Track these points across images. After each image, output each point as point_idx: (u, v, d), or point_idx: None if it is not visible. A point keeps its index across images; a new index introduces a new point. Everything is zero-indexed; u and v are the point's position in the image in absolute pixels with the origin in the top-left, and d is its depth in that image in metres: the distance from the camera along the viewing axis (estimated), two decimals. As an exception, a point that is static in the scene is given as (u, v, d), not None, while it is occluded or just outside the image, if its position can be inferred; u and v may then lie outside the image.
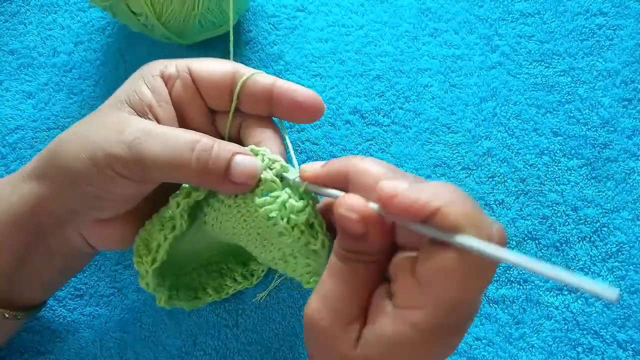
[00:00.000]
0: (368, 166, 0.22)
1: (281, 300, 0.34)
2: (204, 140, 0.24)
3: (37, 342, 0.33)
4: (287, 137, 0.27)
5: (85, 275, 0.35)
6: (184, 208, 0.25)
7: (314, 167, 0.24)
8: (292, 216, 0.23)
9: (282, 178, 0.24)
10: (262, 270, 0.33)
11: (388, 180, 0.20)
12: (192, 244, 0.29)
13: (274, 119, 0.28)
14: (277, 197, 0.23)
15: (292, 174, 0.24)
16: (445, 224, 0.18)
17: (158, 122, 0.25)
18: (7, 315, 0.27)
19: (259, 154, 0.25)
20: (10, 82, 0.40)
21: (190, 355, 0.33)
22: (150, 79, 0.26)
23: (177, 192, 0.26)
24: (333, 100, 0.39)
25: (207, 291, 0.32)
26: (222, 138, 0.28)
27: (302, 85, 0.27)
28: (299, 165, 0.25)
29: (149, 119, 0.25)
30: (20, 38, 0.41)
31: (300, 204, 0.23)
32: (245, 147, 0.25)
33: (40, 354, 0.33)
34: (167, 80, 0.26)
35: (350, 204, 0.20)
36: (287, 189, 0.24)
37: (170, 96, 0.26)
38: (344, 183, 0.22)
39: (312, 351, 0.22)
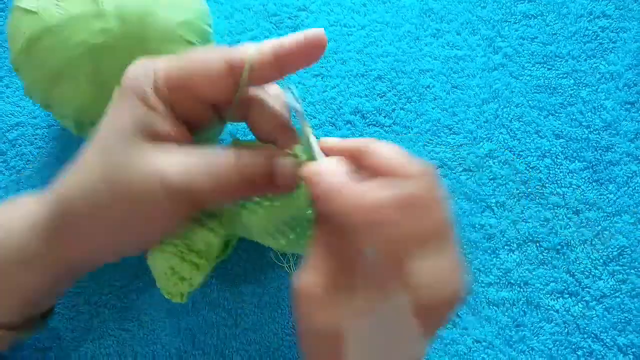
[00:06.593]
0: (382, 148, 0.22)
1: (280, 300, 0.34)
2: (241, 160, 0.23)
3: (35, 340, 0.33)
4: (309, 129, 0.26)
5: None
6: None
7: (334, 140, 0.24)
8: None
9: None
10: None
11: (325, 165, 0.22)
12: None
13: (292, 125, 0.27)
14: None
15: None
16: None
17: (177, 142, 0.24)
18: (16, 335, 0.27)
19: (295, 153, 0.25)
20: (10, 78, 0.39)
21: (189, 354, 0.33)
22: (148, 99, 0.23)
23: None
24: (334, 100, 0.39)
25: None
26: (224, 122, 0.27)
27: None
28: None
29: (169, 141, 0.24)
30: (21, 35, 0.41)
31: None
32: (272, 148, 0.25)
33: (39, 351, 0.33)
34: (161, 93, 0.24)
35: (311, 169, 0.22)
36: None
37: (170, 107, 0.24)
38: (357, 158, 0.23)
39: (306, 337, 0.22)
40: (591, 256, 0.35)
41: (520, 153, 0.37)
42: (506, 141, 0.38)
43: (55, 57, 0.29)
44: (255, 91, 0.26)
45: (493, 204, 0.36)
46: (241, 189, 0.24)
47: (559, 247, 0.35)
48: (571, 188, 0.37)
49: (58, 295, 0.29)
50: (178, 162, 0.22)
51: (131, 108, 0.23)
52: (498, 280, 0.35)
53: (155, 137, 0.23)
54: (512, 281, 0.35)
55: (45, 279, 0.25)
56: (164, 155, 0.23)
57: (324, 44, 0.24)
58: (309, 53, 0.24)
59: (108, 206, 0.22)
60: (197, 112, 0.25)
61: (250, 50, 0.23)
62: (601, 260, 0.35)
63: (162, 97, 0.23)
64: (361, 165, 0.22)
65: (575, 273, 0.35)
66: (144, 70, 0.24)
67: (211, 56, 0.24)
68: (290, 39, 0.24)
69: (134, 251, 0.26)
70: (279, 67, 0.24)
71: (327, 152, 0.24)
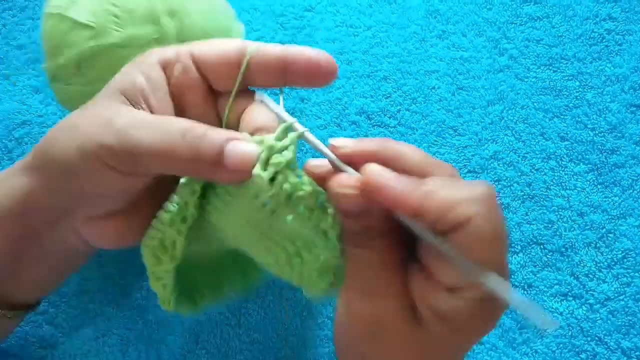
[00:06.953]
0: (406, 150, 0.21)
1: (284, 300, 0.34)
2: (195, 127, 0.22)
3: (39, 337, 0.33)
4: (281, 100, 0.25)
5: (89, 272, 0.35)
6: (189, 197, 0.24)
7: (345, 142, 0.22)
8: (300, 193, 0.22)
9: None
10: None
11: (386, 172, 0.20)
12: (195, 248, 0.28)
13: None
14: (274, 177, 0.22)
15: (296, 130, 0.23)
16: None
17: (152, 112, 0.24)
18: None
19: (259, 141, 0.23)
20: (17, 76, 0.40)
21: (193, 353, 0.33)
22: (146, 67, 0.24)
23: (178, 187, 0.25)
24: (339, 101, 0.39)
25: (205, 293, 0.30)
26: (222, 123, 0.26)
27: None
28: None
29: (142, 108, 0.23)
30: (28, 33, 0.41)
31: (300, 179, 0.22)
32: (241, 134, 0.23)
33: (43, 349, 0.33)
34: (165, 66, 0.24)
35: (342, 180, 0.21)
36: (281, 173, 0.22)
37: (169, 82, 0.24)
38: (383, 161, 0.21)
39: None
40: (595, 259, 0.35)
41: (525, 155, 0.37)
42: (511, 143, 0.38)
43: (111, 75, 0.27)
44: (255, 102, 0.25)
45: (497, 206, 0.36)
46: (186, 160, 0.22)
47: (563, 249, 0.35)
48: (576, 190, 0.37)
49: (42, 290, 0.29)
50: (133, 116, 0.22)
51: (128, 73, 0.24)
52: (502, 282, 0.35)
53: (136, 102, 0.23)
54: (516, 283, 0.35)
55: (18, 234, 0.24)
56: (125, 110, 0.23)
57: (332, 68, 0.23)
58: (314, 69, 0.24)
59: (63, 148, 0.23)
60: (200, 108, 0.25)
61: (257, 44, 0.24)
62: (605, 263, 0.35)
63: (174, 85, 0.24)
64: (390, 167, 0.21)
65: (580, 276, 0.35)
66: (159, 49, 0.24)
67: (226, 42, 0.25)
68: (300, 48, 0.24)
69: (86, 209, 0.24)
70: (282, 69, 0.24)
71: (346, 159, 0.22)
